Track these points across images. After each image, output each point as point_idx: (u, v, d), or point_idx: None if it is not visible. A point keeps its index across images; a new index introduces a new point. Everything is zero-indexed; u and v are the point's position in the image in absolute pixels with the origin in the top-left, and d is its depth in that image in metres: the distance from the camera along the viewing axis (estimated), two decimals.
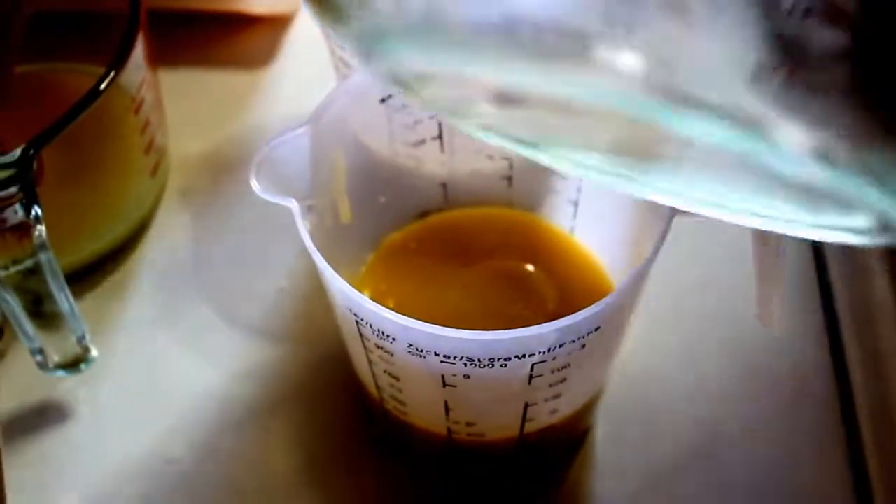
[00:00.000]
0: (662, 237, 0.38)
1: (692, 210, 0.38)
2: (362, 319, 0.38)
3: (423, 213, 0.51)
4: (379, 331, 0.38)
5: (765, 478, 0.47)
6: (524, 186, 0.50)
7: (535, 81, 0.28)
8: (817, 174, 0.27)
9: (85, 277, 0.54)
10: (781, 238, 0.40)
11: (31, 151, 0.44)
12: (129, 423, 0.50)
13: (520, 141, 0.31)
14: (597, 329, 0.38)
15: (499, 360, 0.37)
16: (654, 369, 0.51)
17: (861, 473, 0.48)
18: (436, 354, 0.37)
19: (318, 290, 0.52)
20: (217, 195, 0.58)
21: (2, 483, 0.43)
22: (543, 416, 0.42)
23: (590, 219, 0.48)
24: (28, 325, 0.46)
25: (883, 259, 0.52)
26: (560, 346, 0.37)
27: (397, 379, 0.41)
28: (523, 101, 0.29)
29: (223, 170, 0.59)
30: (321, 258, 0.38)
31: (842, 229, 0.31)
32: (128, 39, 0.49)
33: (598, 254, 0.49)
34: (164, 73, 0.57)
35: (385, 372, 0.41)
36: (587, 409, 0.46)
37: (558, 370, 0.39)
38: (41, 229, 0.43)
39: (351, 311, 0.39)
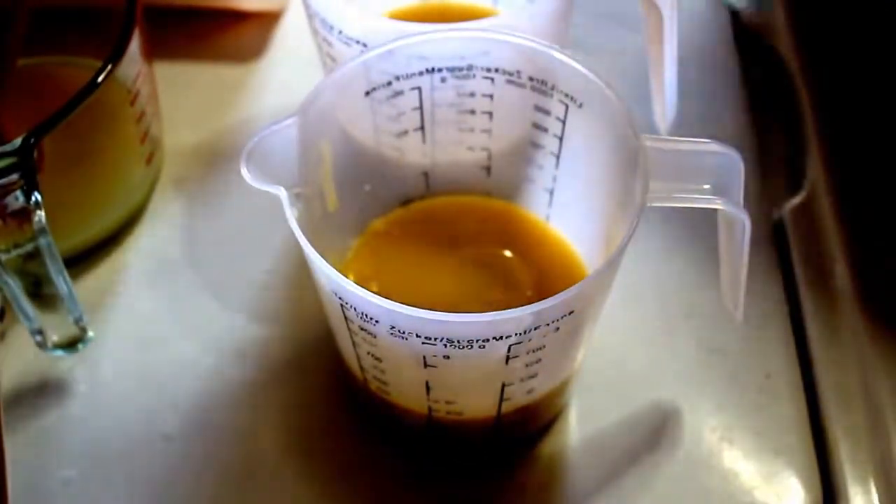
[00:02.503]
0: (634, 225, 0.39)
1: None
2: (347, 302, 0.39)
3: (406, 201, 0.52)
4: (363, 313, 0.39)
5: (731, 456, 0.48)
6: (502, 176, 0.51)
7: None
8: None
9: (82, 261, 0.55)
10: (745, 226, 0.42)
11: (32, 141, 0.44)
12: (124, 401, 0.50)
13: None
14: (570, 313, 0.39)
15: (477, 341, 0.38)
16: (627, 350, 0.52)
17: (825, 455, 0.49)
18: (417, 336, 0.38)
19: (305, 274, 0.53)
20: (209, 183, 0.59)
21: (2, 458, 0.43)
22: (520, 396, 0.43)
23: (565, 207, 0.49)
24: (28, 307, 0.46)
25: (843, 245, 0.53)
26: (535, 328, 0.38)
27: (380, 360, 0.42)
28: None
29: (215, 159, 0.60)
30: (308, 244, 0.39)
31: None
32: (124, 34, 0.50)
33: (573, 240, 0.50)
34: (159, 66, 0.58)
35: (368, 353, 0.42)
36: (562, 389, 0.47)
37: (534, 351, 0.40)
38: (41, 215, 0.44)
39: (336, 294, 0.39)
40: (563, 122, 0.46)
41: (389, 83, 0.46)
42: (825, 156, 0.58)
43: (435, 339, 0.38)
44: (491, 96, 0.47)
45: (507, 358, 0.40)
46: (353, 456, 0.48)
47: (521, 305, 0.37)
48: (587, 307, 0.41)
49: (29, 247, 0.44)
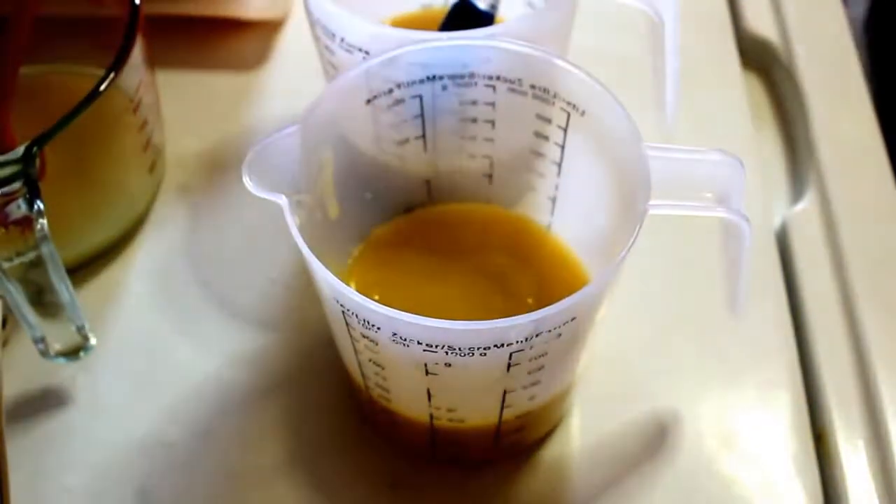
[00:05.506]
0: (636, 233, 0.39)
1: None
2: (348, 310, 0.39)
3: (408, 209, 0.52)
4: (364, 320, 0.39)
5: (732, 462, 0.48)
6: (504, 184, 0.51)
7: None
8: None
9: (85, 269, 0.55)
10: (747, 233, 0.42)
11: (34, 149, 0.44)
12: (126, 408, 0.50)
13: None
14: (572, 320, 0.39)
15: (479, 348, 0.38)
16: (628, 357, 0.52)
17: (826, 461, 0.49)
18: (418, 343, 0.38)
19: (307, 281, 0.53)
20: (211, 191, 0.59)
21: (4, 465, 0.43)
22: (521, 403, 0.43)
23: (567, 214, 0.49)
24: (30, 315, 0.46)
25: (845, 252, 0.54)
26: (537, 335, 0.38)
27: (382, 367, 0.42)
28: None
29: (217, 167, 0.60)
30: (309, 251, 0.39)
31: None
32: (126, 43, 0.50)
33: (575, 247, 0.50)
34: (161, 74, 0.58)
35: (370, 361, 0.42)
36: (563, 396, 0.47)
37: (535, 359, 0.40)
38: (43, 223, 0.44)
39: (337, 301, 0.39)
40: (565, 131, 0.46)
41: (391, 91, 0.46)
42: (827, 162, 0.58)
43: (436, 347, 0.38)
44: (493, 104, 0.48)
45: (509, 365, 0.40)
46: (354, 463, 0.48)
47: (523, 313, 0.37)
48: (589, 315, 0.41)
49: (31, 255, 0.44)
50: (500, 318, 0.37)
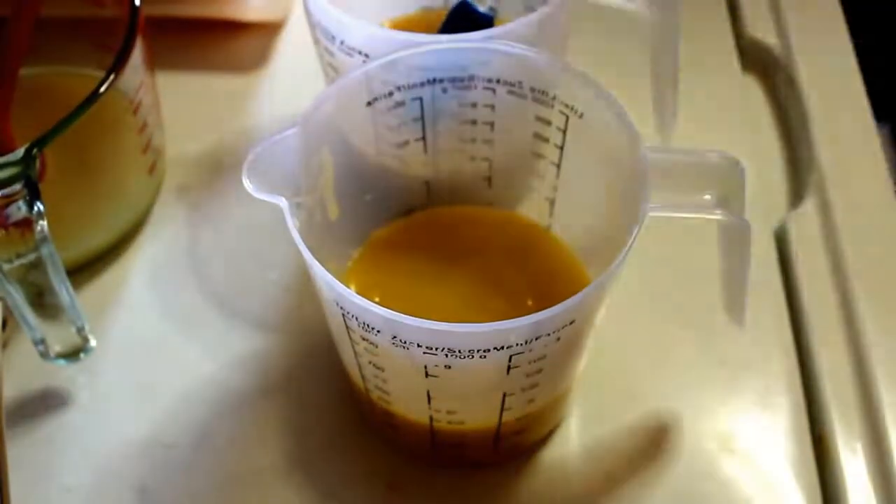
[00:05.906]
0: (635, 235, 0.39)
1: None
2: (348, 312, 0.39)
3: (408, 211, 0.52)
4: (364, 323, 0.39)
5: (731, 465, 0.48)
6: (503, 185, 0.51)
7: None
8: None
9: (85, 270, 0.55)
10: (747, 236, 0.42)
11: (34, 150, 0.44)
12: (126, 410, 0.50)
13: None
14: (571, 322, 0.39)
15: (478, 351, 0.38)
16: (628, 360, 0.52)
17: (825, 463, 0.49)
18: (418, 346, 0.38)
19: (307, 283, 0.53)
20: (212, 193, 0.59)
21: (4, 466, 0.43)
22: (521, 405, 0.43)
23: (566, 216, 0.49)
24: (30, 317, 0.46)
25: (845, 255, 0.53)
26: (536, 338, 0.38)
27: (382, 370, 0.42)
28: None
29: (217, 168, 0.60)
30: (309, 253, 0.39)
31: None
32: (126, 44, 0.50)
33: (574, 249, 0.50)
34: (161, 76, 0.58)
35: (370, 363, 0.42)
36: (563, 398, 0.47)
37: (535, 361, 0.40)
38: (43, 224, 0.44)
39: (337, 303, 0.39)
40: (564, 133, 0.46)
41: (391, 93, 0.46)
42: (827, 165, 0.58)
43: (436, 349, 0.38)
44: (492, 107, 0.48)
45: (509, 368, 0.40)
46: (353, 465, 0.48)
47: (522, 315, 0.37)
48: (588, 317, 0.41)
49: (31, 256, 0.44)
50: (500, 320, 0.37)
